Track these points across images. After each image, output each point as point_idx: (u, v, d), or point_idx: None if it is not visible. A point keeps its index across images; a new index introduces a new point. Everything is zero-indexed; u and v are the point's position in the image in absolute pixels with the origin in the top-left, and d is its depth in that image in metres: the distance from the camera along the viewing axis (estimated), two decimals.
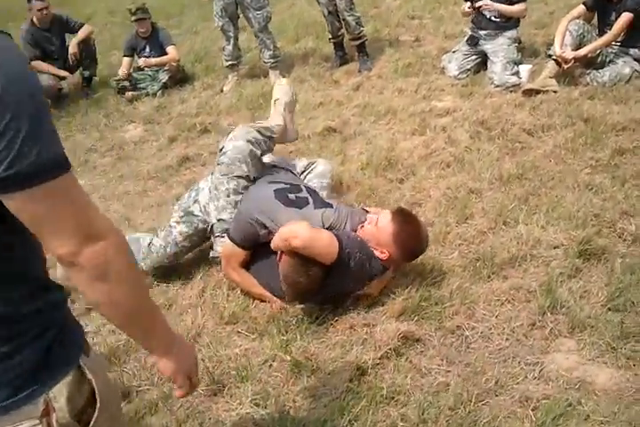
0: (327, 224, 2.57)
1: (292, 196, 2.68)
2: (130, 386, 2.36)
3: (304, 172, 3.16)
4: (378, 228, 2.53)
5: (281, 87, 3.39)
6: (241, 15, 5.51)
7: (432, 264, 2.73)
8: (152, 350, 1.23)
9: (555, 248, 2.72)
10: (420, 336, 2.34)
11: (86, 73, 6.42)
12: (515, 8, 4.80)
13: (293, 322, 2.51)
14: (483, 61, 4.94)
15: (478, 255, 2.73)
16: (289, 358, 2.31)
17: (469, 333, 2.34)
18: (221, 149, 2.97)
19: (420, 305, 2.47)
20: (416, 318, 2.42)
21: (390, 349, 2.27)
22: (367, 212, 2.70)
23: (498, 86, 4.60)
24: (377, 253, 2.51)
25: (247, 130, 2.97)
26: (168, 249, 2.94)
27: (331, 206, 2.68)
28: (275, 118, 3.22)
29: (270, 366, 2.35)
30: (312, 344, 2.40)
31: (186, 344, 1.30)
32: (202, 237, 2.96)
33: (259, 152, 2.93)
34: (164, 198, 3.84)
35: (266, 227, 2.60)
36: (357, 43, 5.56)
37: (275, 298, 2.64)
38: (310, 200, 2.68)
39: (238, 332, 2.56)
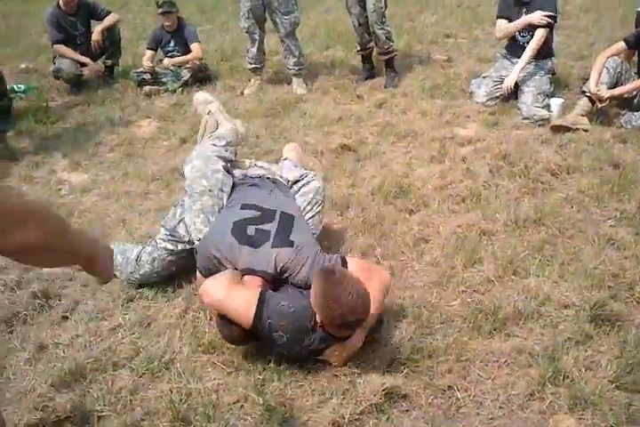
0: (280, 266, 2.37)
1: (251, 229, 2.48)
2: (91, 410, 2.20)
3: (297, 182, 2.98)
4: (311, 289, 2.21)
5: (200, 101, 3.42)
6: (268, 18, 5.35)
7: (430, 310, 2.54)
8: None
9: (565, 308, 2.52)
10: (407, 393, 2.15)
11: (108, 62, 6.29)
12: (535, 38, 4.57)
13: (272, 359, 2.33)
14: (513, 90, 4.73)
15: (481, 307, 2.53)
16: (262, 400, 2.14)
17: (461, 395, 2.14)
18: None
19: (411, 357, 2.27)
20: (405, 371, 2.23)
21: (372, 404, 2.09)
22: (345, 262, 2.39)
23: (526, 118, 4.40)
24: (319, 320, 2.19)
25: (198, 149, 2.97)
26: (155, 265, 2.80)
27: (291, 245, 2.42)
28: (222, 125, 3.22)
29: (242, 406, 2.17)
30: (289, 387, 2.23)
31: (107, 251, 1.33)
32: (190, 253, 2.79)
33: (220, 163, 2.85)
34: (165, 204, 3.67)
35: (222, 264, 2.44)
36: (386, 58, 5.40)
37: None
38: (271, 235, 2.46)
39: (213, 363, 2.38)
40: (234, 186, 2.85)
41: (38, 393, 2.23)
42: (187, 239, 2.74)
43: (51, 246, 1.07)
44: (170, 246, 2.77)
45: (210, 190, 2.72)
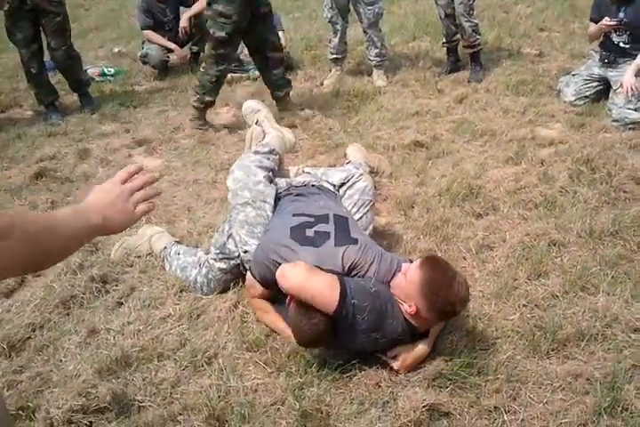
0: (348, 264, 2.28)
1: (310, 232, 2.40)
2: (132, 399, 2.21)
3: (343, 185, 2.88)
4: (406, 277, 2.18)
5: (248, 111, 3.40)
6: (352, 8, 5.24)
7: (486, 324, 2.40)
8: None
9: (634, 332, 2.31)
10: (450, 410, 2.04)
11: (194, 48, 6.39)
12: None
13: (315, 363, 2.27)
14: (604, 90, 4.44)
15: (542, 324, 2.36)
16: (299, 405, 2.08)
17: (508, 417, 2.01)
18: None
19: (459, 372, 2.15)
20: (450, 387, 2.11)
21: (411, 420, 1.98)
22: (410, 261, 2.32)
23: (615, 121, 4.11)
24: (404, 308, 2.16)
25: (241, 161, 2.92)
26: (212, 286, 2.76)
27: (355, 242, 2.35)
28: (268, 134, 3.17)
29: (278, 409, 2.13)
30: (328, 393, 2.16)
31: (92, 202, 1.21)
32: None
33: (261, 174, 2.80)
34: None
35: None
36: (471, 51, 5.20)
37: (287, 332, 2.36)
38: (332, 235, 2.38)
39: (256, 361, 2.35)
40: (279, 197, 2.78)
41: (83, 379, 2.27)
42: (237, 254, 2.68)
43: (44, 247, 1.03)
44: (223, 266, 2.71)
45: (252, 201, 2.69)
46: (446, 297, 2.07)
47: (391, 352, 2.23)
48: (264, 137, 3.16)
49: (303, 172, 3.07)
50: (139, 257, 3.06)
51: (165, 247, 3.00)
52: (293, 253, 2.33)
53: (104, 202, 1.22)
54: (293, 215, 2.55)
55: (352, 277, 2.31)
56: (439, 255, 2.27)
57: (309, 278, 2.14)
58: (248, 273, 2.57)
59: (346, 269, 2.29)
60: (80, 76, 5.41)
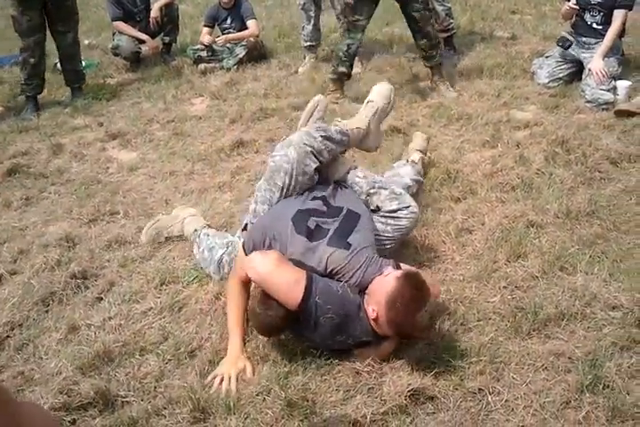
0: (330, 267, 2.22)
1: (312, 222, 2.35)
2: (115, 395, 2.19)
3: (389, 213, 2.58)
4: (382, 280, 2.12)
5: (381, 90, 2.99)
6: None
7: (467, 306, 2.41)
8: None
9: (613, 309, 2.33)
10: (435, 394, 2.04)
11: (166, 39, 6.33)
12: (617, 21, 4.24)
13: (299, 352, 2.26)
14: (578, 71, 4.46)
15: (522, 305, 2.38)
16: (284, 394, 2.07)
17: (492, 398, 2.02)
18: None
19: (442, 356, 2.16)
20: (435, 371, 2.11)
21: (397, 405, 1.99)
22: (398, 267, 2.25)
23: (589, 102, 4.14)
24: (368, 311, 2.12)
25: (307, 138, 2.55)
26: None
27: (347, 248, 2.26)
28: (358, 120, 2.86)
29: (263, 399, 2.11)
30: (313, 381, 2.15)
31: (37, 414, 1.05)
32: None
33: (312, 165, 2.53)
34: (207, 185, 3.66)
35: (272, 246, 2.32)
36: (445, 35, 5.23)
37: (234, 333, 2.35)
38: (329, 234, 2.31)
39: None
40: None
41: (64, 376, 2.24)
42: None
43: None
44: None
45: (286, 189, 2.54)
46: (409, 318, 2.01)
47: (358, 351, 2.20)
48: (322, 116, 2.92)
49: (346, 181, 2.71)
50: (166, 238, 3.08)
51: (196, 230, 2.95)
52: (286, 236, 2.30)
53: None
54: (305, 198, 2.51)
55: (335, 279, 2.26)
56: (419, 272, 2.20)
57: (276, 270, 2.11)
58: (238, 251, 2.50)
59: (327, 271, 2.24)
60: (79, 68, 5.35)
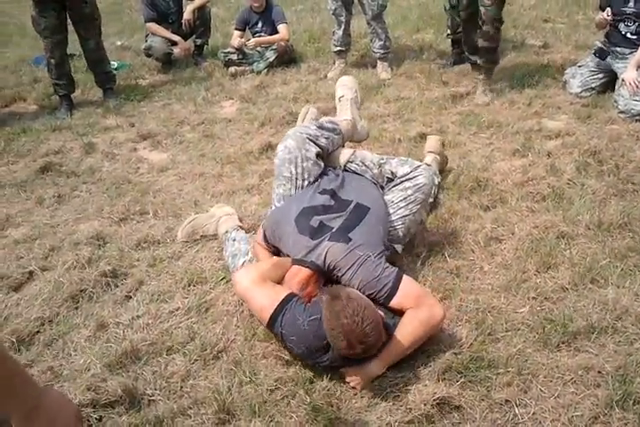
0: (329, 261, 2.27)
1: (315, 220, 2.39)
2: (142, 393, 2.21)
3: (404, 176, 2.66)
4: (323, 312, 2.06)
5: (344, 83, 3.22)
6: (356, 0, 5.22)
7: (495, 316, 2.39)
8: (10, 412, 0.98)
9: None
10: (461, 404, 2.03)
11: (198, 41, 6.38)
12: None
13: None
14: (611, 81, 4.41)
15: (552, 316, 2.35)
16: (309, 399, 2.08)
17: (519, 411, 2.00)
18: None
19: (469, 366, 2.14)
20: (461, 381, 2.10)
21: (422, 414, 1.98)
22: (399, 280, 2.23)
23: (622, 112, 4.08)
24: None
25: (301, 129, 2.79)
26: None
27: (346, 242, 2.28)
28: (342, 114, 3.04)
29: (288, 403, 2.12)
30: (338, 387, 2.16)
31: (57, 402, 1.04)
32: None
33: (313, 150, 2.70)
34: (236, 187, 3.67)
35: (281, 241, 2.45)
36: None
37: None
38: (333, 230, 2.36)
39: (265, 355, 2.34)
40: (323, 174, 2.74)
41: (92, 373, 2.27)
42: None
43: None
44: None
45: (295, 179, 2.66)
46: (341, 339, 1.96)
47: (343, 369, 2.16)
48: (339, 114, 3.11)
49: (355, 159, 2.84)
50: (201, 237, 3.13)
51: (227, 232, 2.99)
52: (289, 235, 2.39)
53: (55, 412, 1.03)
54: (312, 195, 2.56)
55: (332, 276, 2.30)
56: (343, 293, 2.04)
57: (249, 292, 2.24)
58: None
59: (326, 266, 2.29)
60: (108, 70, 5.42)
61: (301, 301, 2.20)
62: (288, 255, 2.38)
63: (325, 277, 2.35)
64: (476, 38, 4.59)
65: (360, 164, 2.80)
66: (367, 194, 2.60)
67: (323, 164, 2.75)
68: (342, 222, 2.40)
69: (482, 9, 4.39)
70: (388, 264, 2.30)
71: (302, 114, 3.20)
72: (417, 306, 2.16)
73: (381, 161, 2.77)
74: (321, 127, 2.82)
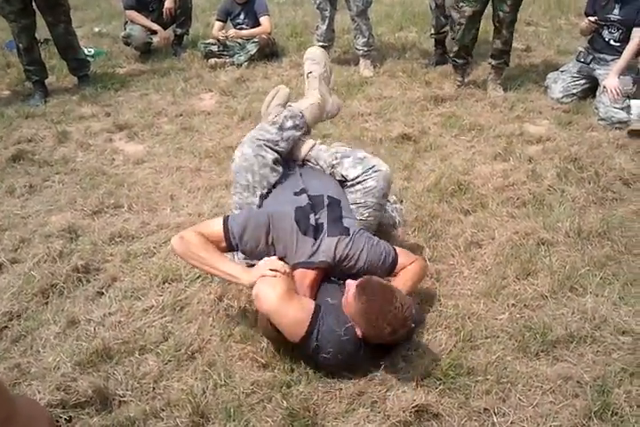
0: (339, 255, 2.26)
1: (312, 219, 2.34)
2: (113, 394, 2.15)
3: (354, 179, 2.57)
4: (347, 300, 2.10)
5: (313, 57, 2.97)
6: None
7: (475, 323, 2.37)
8: None
9: (622, 334, 2.30)
10: (439, 411, 2.01)
11: (178, 30, 6.27)
12: (636, 39, 4.18)
13: (302, 360, 2.22)
14: (592, 88, 4.44)
15: (531, 324, 2.34)
16: (286, 404, 2.04)
17: (497, 419, 1.99)
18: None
19: (448, 373, 2.13)
20: (440, 388, 2.09)
21: (400, 421, 1.95)
22: (395, 252, 2.35)
23: (602, 120, 4.11)
24: (358, 332, 2.08)
25: (259, 134, 2.66)
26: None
27: (347, 233, 2.30)
28: (309, 96, 2.88)
29: (264, 407, 2.08)
30: (316, 392, 2.12)
31: (30, 411, 1.02)
32: None
33: (270, 157, 2.59)
34: (214, 182, 3.61)
35: (272, 245, 2.29)
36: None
37: (232, 276, 2.21)
38: (325, 225, 2.33)
39: (241, 357, 2.30)
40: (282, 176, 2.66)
41: (62, 372, 2.20)
42: None
43: None
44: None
45: (253, 187, 2.58)
46: (383, 326, 2.00)
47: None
48: (286, 101, 2.91)
49: (310, 158, 2.76)
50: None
51: None
52: (291, 237, 2.29)
53: None
54: (293, 193, 2.50)
55: (344, 266, 2.29)
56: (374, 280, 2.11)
57: (280, 309, 2.05)
58: (209, 222, 2.38)
59: (337, 259, 2.28)
60: (80, 56, 5.29)
61: (327, 310, 2.14)
62: (281, 258, 2.27)
63: (330, 272, 2.32)
64: (467, 38, 4.66)
65: (314, 163, 2.73)
66: (331, 186, 2.58)
67: (281, 168, 2.64)
68: (328, 216, 2.38)
69: (500, 14, 4.47)
70: (376, 238, 2.40)
71: (270, 95, 2.94)
72: (409, 264, 2.37)
73: (334, 162, 2.63)
74: (281, 128, 2.67)
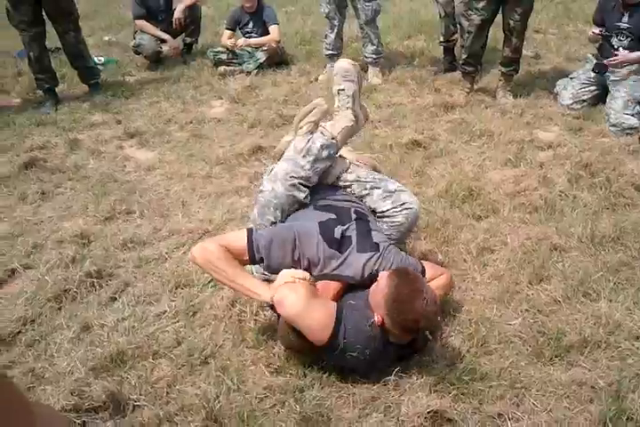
0: (367, 272, 2.25)
1: (337, 232, 2.32)
2: (127, 399, 2.16)
3: (383, 213, 2.56)
4: (377, 286, 2.12)
5: (342, 73, 2.70)
6: (349, 4, 5.19)
7: (488, 328, 2.37)
8: None
9: (637, 339, 2.29)
10: (453, 417, 2.00)
11: (188, 39, 6.34)
12: None
13: (315, 365, 2.23)
14: (602, 94, 4.43)
15: (544, 330, 2.34)
16: (299, 409, 2.04)
17: (511, 424, 1.98)
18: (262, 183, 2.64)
19: (462, 378, 2.12)
20: (453, 393, 2.08)
21: (414, 426, 1.95)
22: (422, 266, 2.36)
23: (613, 126, 4.10)
24: (377, 319, 2.07)
25: (293, 169, 2.52)
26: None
27: (377, 249, 2.30)
28: (342, 118, 2.66)
29: (278, 412, 2.08)
30: (329, 397, 2.12)
31: (50, 419, 1.02)
32: None
33: (301, 195, 2.52)
34: (225, 189, 3.63)
35: (299, 261, 2.27)
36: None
37: (262, 295, 2.18)
38: (354, 240, 2.32)
39: (254, 362, 2.30)
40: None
41: (76, 377, 2.21)
42: None
43: None
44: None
45: (280, 221, 2.52)
46: (408, 313, 1.99)
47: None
48: (322, 116, 2.74)
49: (352, 171, 2.66)
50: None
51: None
52: (317, 251, 2.26)
53: None
54: (315, 208, 2.49)
55: (370, 281, 2.25)
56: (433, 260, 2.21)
57: (304, 311, 2.05)
58: (233, 234, 2.39)
59: (365, 276, 2.27)
60: (90, 64, 5.33)
61: (350, 308, 2.14)
62: (306, 270, 2.26)
63: (356, 285, 2.29)
64: (476, 46, 4.67)
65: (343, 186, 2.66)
66: (356, 202, 2.57)
67: (309, 198, 2.56)
68: (357, 230, 2.36)
69: (510, 22, 4.50)
70: (404, 253, 2.43)
71: (307, 108, 2.78)
72: (437, 276, 2.39)
73: (364, 192, 2.59)
74: (315, 161, 2.54)
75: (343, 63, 2.75)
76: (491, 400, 2.06)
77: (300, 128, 2.73)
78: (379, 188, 2.58)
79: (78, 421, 2.06)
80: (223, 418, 2.05)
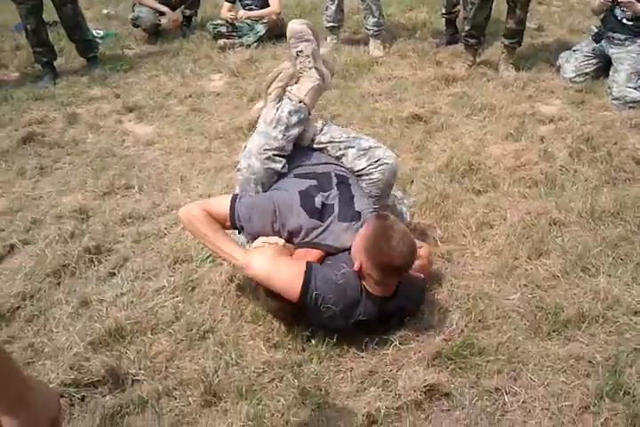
0: (347, 243, 2.24)
1: (318, 201, 2.31)
2: (126, 373, 2.17)
3: (359, 171, 2.51)
4: (358, 236, 2.17)
5: (297, 35, 2.62)
6: None
7: (486, 303, 2.37)
8: None
9: (635, 314, 2.29)
10: (451, 391, 2.01)
11: (187, 12, 6.24)
12: None
13: (313, 340, 2.23)
14: (605, 67, 4.38)
15: (542, 304, 2.34)
16: (297, 383, 2.05)
17: (509, 399, 1.99)
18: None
19: (460, 352, 2.13)
20: (451, 367, 2.09)
21: (411, 400, 1.96)
22: None
23: (615, 99, 4.06)
24: (355, 266, 2.10)
25: (266, 141, 2.49)
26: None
27: (358, 218, 2.30)
28: (306, 79, 2.59)
29: (276, 386, 2.09)
30: (327, 371, 2.13)
31: (41, 392, 1.00)
32: None
33: (279, 165, 2.50)
34: (225, 163, 3.60)
35: (278, 232, 2.30)
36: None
37: (234, 259, 2.25)
38: (336, 208, 2.31)
39: (253, 336, 2.31)
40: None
41: (75, 352, 2.22)
42: None
43: None
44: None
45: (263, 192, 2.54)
46: (384, 249, 2.03)
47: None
48: (291, 80, 2.62)
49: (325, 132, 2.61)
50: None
51: None
52: (298, 220, 2.27)
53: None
54: (295, 176, 2.48)
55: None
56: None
57: (272, 270, 2.12)
58: (214, 201, 2.44)
59: (346, 245, 2.25)
60: (88, 37, 5.27)
61: (321, 264, 2.20)
62: (287, 240, 2.28)
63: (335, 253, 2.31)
64: (479, 18, 4.60)
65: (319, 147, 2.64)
66: (337, 164, 2.55)
67: (287, 167, 2.55)
68: (339, 198, 2.36)
69: None
70: None
71: (272, 75, 2.66)
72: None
73: (339, 153, 2.56)
74: (287, 129, 2.50)
75: (294, 25, 2.68)
76: (488, 375, 2.07)
77: (269, 94, 2.66)
78: (352, 147, 2.54)
79: (77, 395, 2.08)
80: (222, 392, 2.06)
